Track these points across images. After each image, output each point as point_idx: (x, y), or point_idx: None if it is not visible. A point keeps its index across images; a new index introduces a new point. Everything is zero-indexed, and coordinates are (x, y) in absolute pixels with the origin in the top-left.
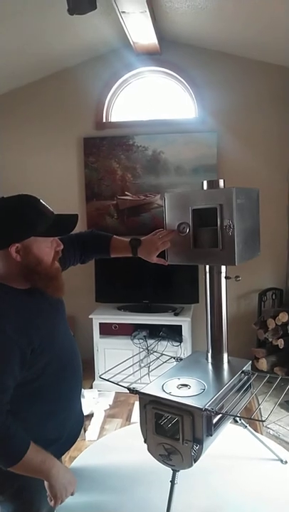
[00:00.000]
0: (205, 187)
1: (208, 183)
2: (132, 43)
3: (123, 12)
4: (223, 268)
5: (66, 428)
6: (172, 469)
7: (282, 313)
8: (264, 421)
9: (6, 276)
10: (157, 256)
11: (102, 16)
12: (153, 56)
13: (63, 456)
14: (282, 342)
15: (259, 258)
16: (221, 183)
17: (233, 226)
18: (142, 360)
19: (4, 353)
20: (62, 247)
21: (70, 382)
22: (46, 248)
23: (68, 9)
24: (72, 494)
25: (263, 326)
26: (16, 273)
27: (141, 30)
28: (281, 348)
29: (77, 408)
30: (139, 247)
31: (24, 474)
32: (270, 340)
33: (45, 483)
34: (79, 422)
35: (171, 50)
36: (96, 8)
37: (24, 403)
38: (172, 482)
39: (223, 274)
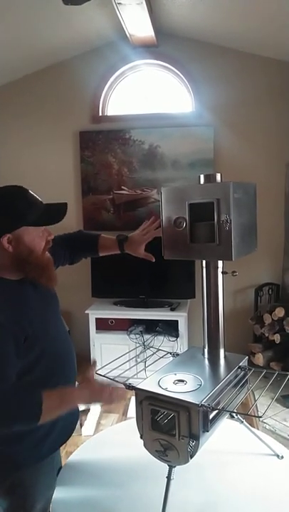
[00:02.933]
0: (202, 181)
1: (205, 177)
2: (128, 35)
3: (119, 3)
4: (220, 263)
5: (59, 423)
6: (168, 465)
7: (278, 309)
8: (261, 417)
9: None
10: (153, 252)
11: (98, 8)
12: (150, 49)
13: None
14: (279, 337)
15: (255, 253)
16: (218, 177)
17: (230, 221)
18: (138, 355)
19: (0, 342)
20: (53, 236)
21: (64, 375)
22: (37, 238)
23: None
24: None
25: (260, 321)
26: (8, 264)
27: (137, 22)
28: (277, 343)
29: None
30: (126, 243)
31: (58, 416)
32: (267, 335)
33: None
34: (73, 417)
35: (168, 43)
36: None
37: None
38: (168, 478)
39: (220, 269)
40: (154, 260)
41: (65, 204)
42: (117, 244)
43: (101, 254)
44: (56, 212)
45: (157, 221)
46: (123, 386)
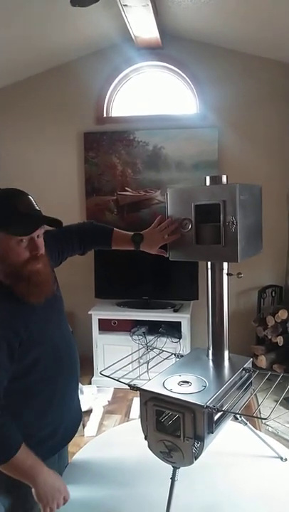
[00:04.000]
0: (208, 183)
1: (211, 178)
2: (133, 37)
3: (125, 5)
4: (225, 265)
5: (62, 424)
6: (173, 466)
7: (281, 311)
8: (266, 419)
9: None
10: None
11: (103, 9)
12: (154, 51)
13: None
14: (282, 339)
15: (259, 255)
16: (224, 178)
17: (236, 222)
18: (141, 356)
19: None
20: (40, 252)
21: (66, 377)
22: (15, 247)
23: (71, 1)
24: (64, 503)
25: (263, 323)
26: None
27: (143, 24)
28: (280, 345)
29: (73, 404)
30: (142, 243)
31: (10, 475)
32: (270, 337)
33: (32, 489)
34: (76, 418)
35: (173, 45)
36: (98, 0)
37: (18, 399)
38: (172, 479)
39: (225, 271)
40: (167, 255)
41: (58, 223)
42: (133, 243)
43: (114, 248)
44: (30, 223)
45: (175, 223)
46: (127, 387)
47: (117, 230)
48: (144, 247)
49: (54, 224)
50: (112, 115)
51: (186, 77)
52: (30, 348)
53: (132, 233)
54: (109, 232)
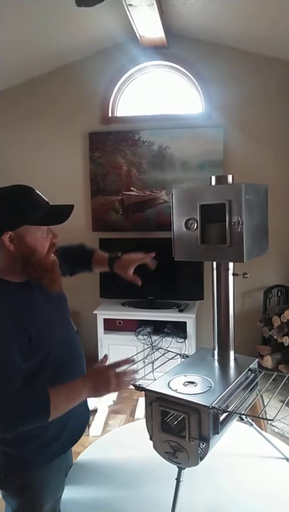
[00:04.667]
0: (213, 182)
1: (217, 178)
2: (138, 36)
3: (130, 5)
4: (231, 265)
5: (69, 423)
6: (178, 467)
7: (287, 311)
8: (272, 420)
9: (2, 270)
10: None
11: (108, 9)
12: (159, 50)
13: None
14: (288, 339)
15: (265, 255)
16: (230, 178)
17: (242, 222)
18: (146, 356)
19: (3, 347)
20: (57, 238)
21: (72, 376)
22: (40, 238)
23: (76, 1)
24: (128, 376)
25: (268, 324)
26: (11, 265)
27: (148, 24)
28: (286, 345)
29: (82, 403)
30: (116, 262)
31: (71, 407)
32: (275, 337)
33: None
34: (84, 417)
35: (178, 44)
36: (104, 0)
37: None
38: (178, 480)
39: (231, 271)
40: (140, 284)
41: (71, 206)
42: (108, 263)
43: (95, 271)
44: (60, 213)
45: (149, 256)
46: (132, 387)
47: (99, 252)
48: (117, 267)
49: (70, 208)
50: (117, 115)
51: (192, 77)
52: (39, 346)
53: (109, 256)
54: (91, 255)
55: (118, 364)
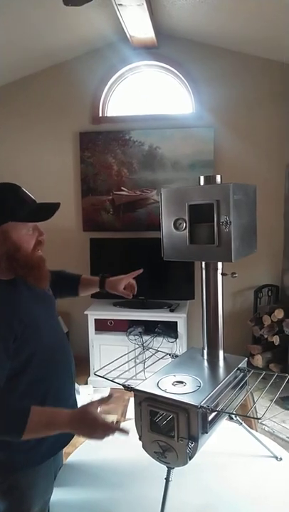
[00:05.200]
0: (202, 182)
1: (205, 178)
2: (128, 36)
3: (120, 5)
4: (220, 264)
5: None
6: (167, 467)
7: (277, 310)
8: (260, 418)
9: None
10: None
11: (98, 9)
12: (150, 50)
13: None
14: (278, 338)
15: (255, 255)
16: (218, 178)
17: (230, 222)
18: (137, 356)
19: None
20: (44, 236)
21: (58, 378)
22: (26, 235)
23: (63, 0)
24: (114, 428)
25: (259, 323)
26: None
27: (138, 24)
28: (276, 344)
29: (68, 404)
30: (106, 282)
31: (43, 436)
32: (266, 336)
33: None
34: None
35: (169, 44)
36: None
37: (11, 400)
38: (167, 479)
39: (220, 271)
40: (131, 297)
41: (58, 204)
42: (98, 283)
43: (81, 295)
44: (45, 210)
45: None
46: (122, 387)
47: (85, 276)
48: (108, 285)
49: (56, 206)
50: (108, 115)
51: (182, 77)
52: (24, 345)
53: (100, 276)
54: (77, 280)
55: (103, 401)
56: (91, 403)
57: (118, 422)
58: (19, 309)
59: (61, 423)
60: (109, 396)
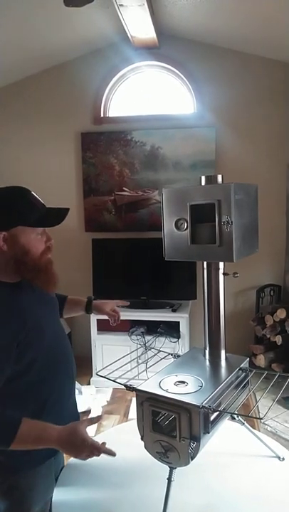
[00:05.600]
0: (203, 182)
1: (207, 178)
2: (130, 36)
3: (121, 5)
4: (221, 264)
5: (59, 424)
6: (169, 467)
7: (280, 310)
8: (262, 418)
9: None
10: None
11: (99, 9)
12: (151, 50)
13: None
14: (280, 338)
15: (257, 254)
16: (219, 178)
17: (232, 222)
18: (139, 356)
19: None
20: (52, 241)
21: (61, 379)
22: (35, 240)
23: (64, 1)
24: (99, 451)
25: (261, 323)
26: (4, 265)
27: (139, 24)
28: (279, 344)
29: (69, 405)
30: (93, 303)
31: (30, 449)
32: (268, 336)
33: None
34: (74, 419)
35: (170, 45)
36: (93, 0)
37: (12, 402)
38: (169, 479)
39: (221, 271)
40: (115, 321)
41: (67, 209)
42: (84, 306)
43: (65, 317)
44: (55, 215)
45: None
46: (124, 387)
47: (71, 297)
48: (95, 307)
49: (65, 211)
50: (110, 115)
51: (184, 77)
52: (27, 350)
53: (87, 298)
54: (62, 302)
55: (92, 421)
56: (81, 422)
57: (104, 443)
58: (24, 312)
59: (49, 440)
60: (99, 417)
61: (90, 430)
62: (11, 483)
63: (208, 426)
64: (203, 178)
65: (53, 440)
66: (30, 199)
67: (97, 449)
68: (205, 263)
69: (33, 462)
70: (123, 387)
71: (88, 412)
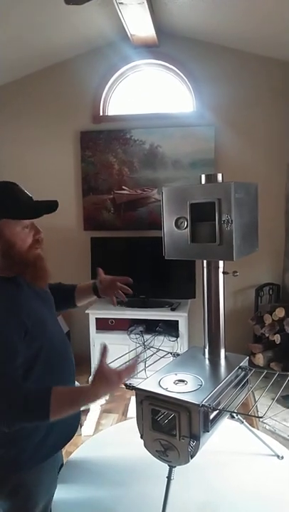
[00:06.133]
0: (203, 181)
1: (207, 177)
2: (129, 35)
3: (120, 3)
4: (221, 263)
5: (58, 423)
6: (169, 465)
7: (278, 309)
8: (261, 417)
9: None
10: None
11: (99, 7)
12: (151, 49)
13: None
14: (279, 337)
15: (256, 253)
16: (220, 177)
17: (232, 221)
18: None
19: (5, 340)
20: (41, 235)
21: (61, 375)
22: (21, 233)
23: None
24: (128, 373)
25: (260, 322)
26: None
27: (138, 22)
28: (277, 343)
29: None
30: (100, 287)
31: (70, 413)
32: (267, 335)
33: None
34: (75, 416)
35: (169, 43)
36: None
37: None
38: (169, 478)
39: (221, 270)
40: (115, 305)
41: (55, 202)
42: (92, 290)
43: (79, 305)
44: (43, 208)
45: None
46: (123, 386)
47: (80, 285)
48: (101, 291)
49: (54, 204)
50: (109, 114)
51: (183, 75)
52: (32, 340)
53: (93, 282)
54: (73, 291)
55: (104, 354)
56: (100, 363)
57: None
58: (25, 306)
59: (83, 393)
60: (104, 347)
61: (89, 428)
62: (16, 481)
63: (207, 424)
64: (203, 177)
65: (86, 391)
66: (14, 192)
67: (128, 369)
68: (205, 262)
69: (38, 459)
70: (122, 385)
71: (87, 410)
